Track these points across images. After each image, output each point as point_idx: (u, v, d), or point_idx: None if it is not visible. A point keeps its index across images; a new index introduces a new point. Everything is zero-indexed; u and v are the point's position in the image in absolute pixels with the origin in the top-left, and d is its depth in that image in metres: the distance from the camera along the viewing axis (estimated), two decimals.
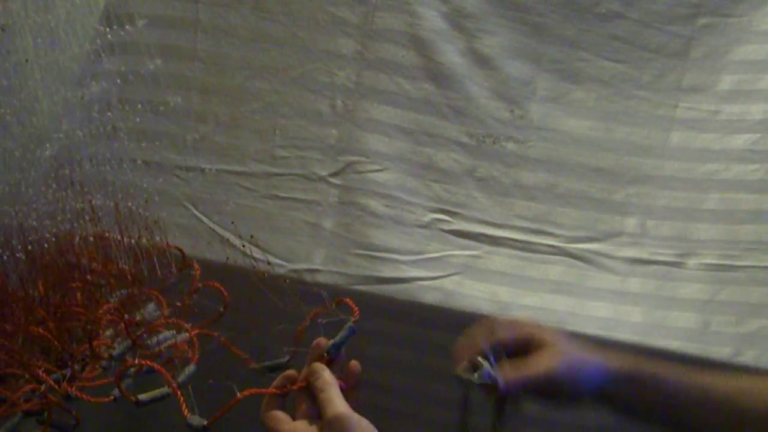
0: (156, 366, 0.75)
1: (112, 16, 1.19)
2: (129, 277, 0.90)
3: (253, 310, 1.20)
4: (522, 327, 0.73)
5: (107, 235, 0.92)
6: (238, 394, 0.71)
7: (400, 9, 1.13)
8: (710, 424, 0.70)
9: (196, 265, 0.95)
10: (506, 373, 0.71)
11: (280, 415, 0.68)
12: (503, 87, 1.15)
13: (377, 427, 1.26)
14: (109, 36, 1.17)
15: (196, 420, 0.72)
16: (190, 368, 0.84)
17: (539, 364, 0.69)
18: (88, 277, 0.88)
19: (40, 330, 0.80)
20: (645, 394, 0.71)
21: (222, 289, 0.93)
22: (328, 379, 0.68)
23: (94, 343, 0.80)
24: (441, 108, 1.15)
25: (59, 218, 0.88)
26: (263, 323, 1.22)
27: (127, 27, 1.16)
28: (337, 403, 0.66)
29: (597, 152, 1.15)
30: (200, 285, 0.95)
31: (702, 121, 1.13)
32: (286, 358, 0.83)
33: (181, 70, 1.16)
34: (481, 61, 1.14)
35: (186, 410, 0.72)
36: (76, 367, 0.81)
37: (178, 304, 0.92)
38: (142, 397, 0.76)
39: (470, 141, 1.16)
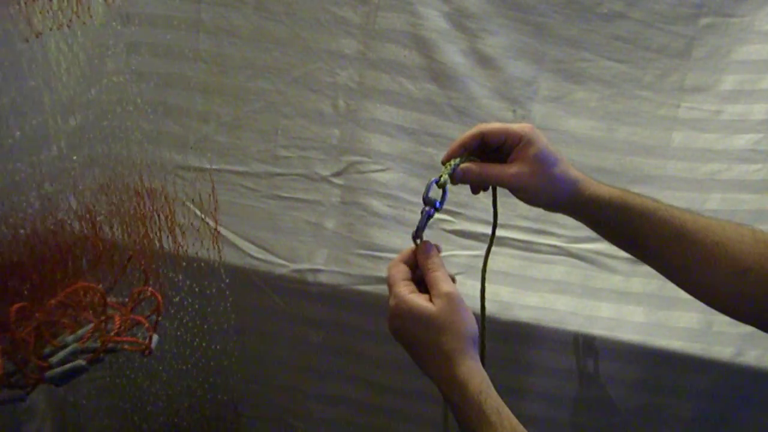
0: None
1: (115, 16, 1.20)
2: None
3: (256, 310, 1.21)
4: (513, 126, 0.79)
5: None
6: None
7: (402, 9, 1.12)
8: (675, 257, 0.77)
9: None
10: (474, 168, 0.78)
11: (402, 273, 0.75)
12: (505, 87, 1.15)
13: (376, 427, 1.27)
14: (113, 36, 1.17)
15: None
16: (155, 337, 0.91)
17: (512, 168, 0.77)
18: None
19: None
20: (604, 214, 0.78)
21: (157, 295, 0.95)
22: (438, 261, 0.75)
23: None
24: (443, 108, 1.15)
25: (60, 216, 0.88)
26: (263, 323, 1.23)
27: (130, 27, 1.16)
28: (448, 281, 0.73)
29: (599, 152, 1.15)
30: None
31: (704, 121, 1.13)
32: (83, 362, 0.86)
33: (183, 70, 1.16)
34: (483, 61, 1.14)
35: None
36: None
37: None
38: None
39: None
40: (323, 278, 1.16)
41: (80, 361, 0.86)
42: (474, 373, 0.69)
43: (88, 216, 0.94)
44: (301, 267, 1.16)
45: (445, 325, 0.70)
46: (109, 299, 0.94)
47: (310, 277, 1.16)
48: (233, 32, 1.15)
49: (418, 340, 0.71)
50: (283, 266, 1.16)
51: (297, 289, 1.17)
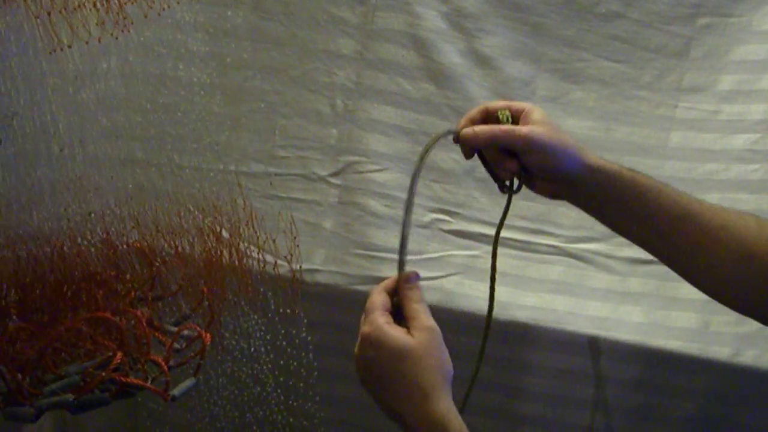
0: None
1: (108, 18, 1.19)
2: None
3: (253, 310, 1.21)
4: (515, 103, 0.78)
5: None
6: None
7: (400, 9, 1.13)
8: (681, 238, 0.75)
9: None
10: (490, 128, 0.75)
11: (383, 302, 0.71)
12: (503, 87, 1.15)
13: (375, 427, 1.27)
14: (109, 36, 1.17)
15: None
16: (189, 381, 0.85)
17: (524, 127, 0.74)
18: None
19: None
20: (612, 189, 0.75)
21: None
22: (421, 294, 0.71)
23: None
24: (441, 108, 1.15)
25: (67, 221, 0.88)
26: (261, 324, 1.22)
27: (128, 27, 1.16)
28: (428, 315, 0.69)
29: (597, 152, 1.14)
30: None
31: (702, 121, 1.13)
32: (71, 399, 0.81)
33: (180, 70, 1.16)
34: (481, 61, 1.14)
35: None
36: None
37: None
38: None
39: None
40: (321, 278, 1.16)
41: (67, 396, 0.80)
42: (453, 414, 0.64)
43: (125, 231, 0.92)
44: (299, 267, 1.16)
45: (425, 359, 0.65)
46: (172, 328, 0.90)
47: (307, 277, 1.16)
48: (231, 32, 1.15)
49: (391, 373, 0.66)
50: (280, 266, 1.16)
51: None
